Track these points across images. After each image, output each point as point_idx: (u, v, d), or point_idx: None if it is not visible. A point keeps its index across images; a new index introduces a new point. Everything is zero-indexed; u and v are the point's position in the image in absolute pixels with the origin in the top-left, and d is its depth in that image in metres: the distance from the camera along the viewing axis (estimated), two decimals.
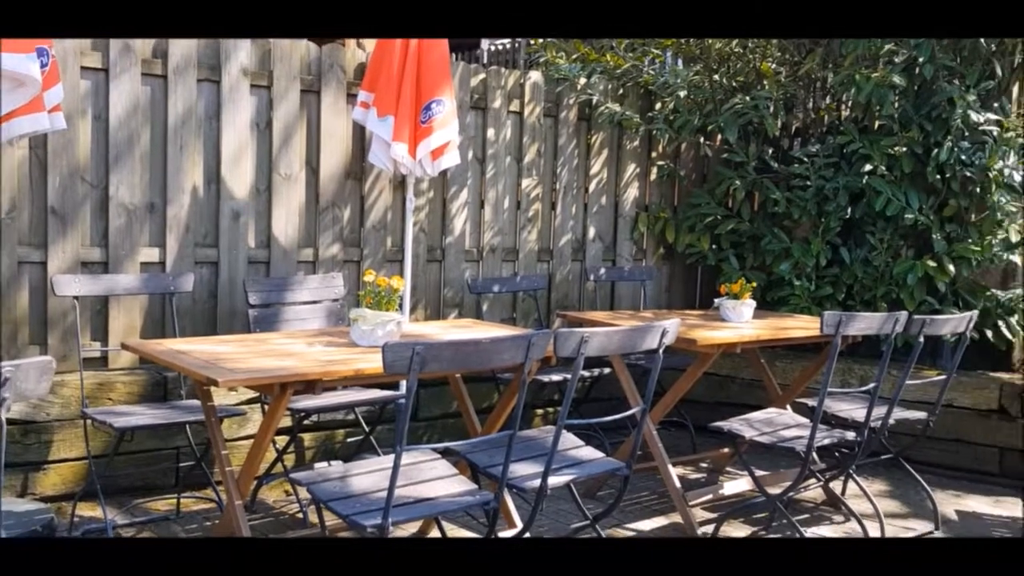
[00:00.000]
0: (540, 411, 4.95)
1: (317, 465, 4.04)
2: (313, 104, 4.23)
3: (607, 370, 4.25)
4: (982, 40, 4.67)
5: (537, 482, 2.66)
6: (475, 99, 4.73)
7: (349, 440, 4.26)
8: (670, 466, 3.67)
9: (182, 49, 3.84)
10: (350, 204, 4.38)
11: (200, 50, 3.91)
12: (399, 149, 3.97)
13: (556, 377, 4.17)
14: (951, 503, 4.15)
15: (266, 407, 3.70)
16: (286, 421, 3.77)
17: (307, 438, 4.17)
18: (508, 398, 3.16)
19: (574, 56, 5.38)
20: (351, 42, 5.52)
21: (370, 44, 4.89)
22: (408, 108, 3.98)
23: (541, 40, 5.54)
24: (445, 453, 2.90)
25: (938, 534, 3.77)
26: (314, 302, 3.96)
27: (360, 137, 4.35)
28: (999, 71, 4.75)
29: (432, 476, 2.66)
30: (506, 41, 8.97)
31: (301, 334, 3.27)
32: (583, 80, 5.14)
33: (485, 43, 9.57)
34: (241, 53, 3.99)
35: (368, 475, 2.59)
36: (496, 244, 4.88)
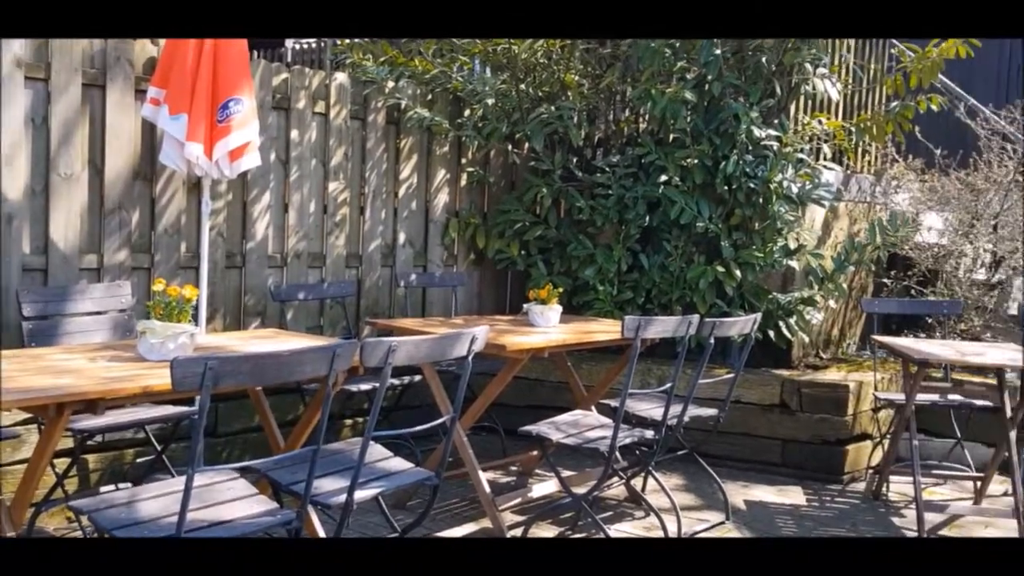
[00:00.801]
0: (349, 421, 4.84)
1: (103, 489, 3.74)
2: (97, 99, 3.92)
3: (418, 377, 4.21)
4: (763, 60, 5.02)
5: (343, 497, 2.58)
6: (277, 99, 4.56)
7: (140, 460, 3.98)
8: (480, 472, 3.68)
9: None
10: (139, 207, 4.09)
11: None
12: (194, 149, 3.75)
13: (365, 386, 4.08)
14: (740, 493, 4.43)
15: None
16: (68, 442, 3.47)
17: (92, 460, 3.85)
18: (313, 411, 3.05)
19: (382, 59, 5.31)
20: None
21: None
22: (204, 106, 3.76)
23: (348, 41, 5.43)
24: (245, 472, 2.76)
25: (728, 524, 4.01)
26: (98, 313, 3.66)
27: (151, 136, 4.07)
28: (778, 90, 5.13)
29: (229, 497, 2.52)
30: (311, 40, 8.74)
31: (82, 348, 3.02)
32: (391, 84, 5.08)
33: (289, 42, 9.27)
34: (14, 43, 3.63)
35: (158, 499, 2.42)
36: (302, 249, 4.73)
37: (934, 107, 5.24)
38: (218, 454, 4.25)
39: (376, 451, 3.01)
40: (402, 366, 2.73)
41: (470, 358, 2.86)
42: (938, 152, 6.09)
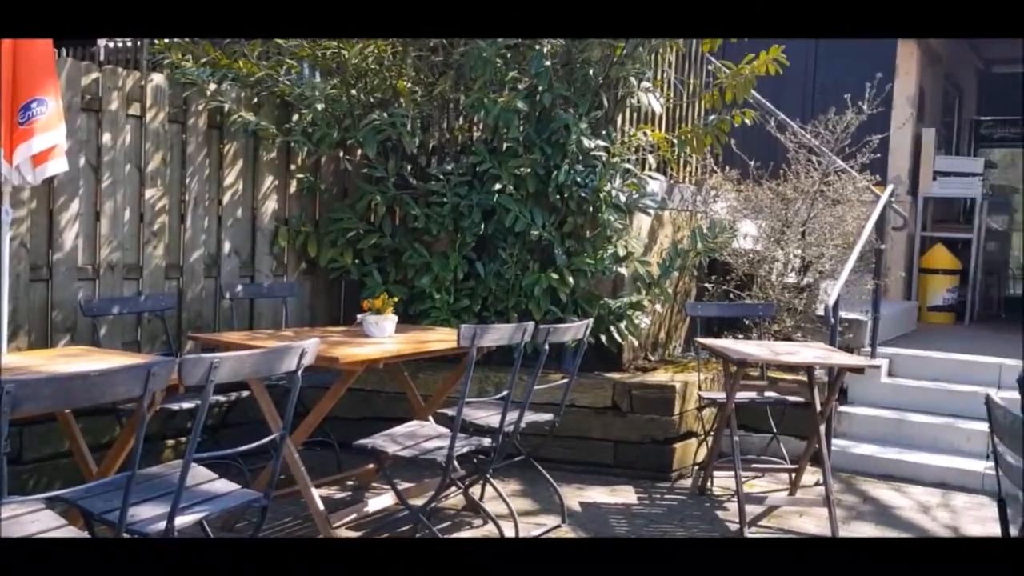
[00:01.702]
0: (172, 442, 4.57)
1: None
2: None
3: (246, 393, 4.04)
4: (591, 73, 5.16)
5: (163, 524, 2.42)
6: (87, 100, 4.25)
7: None
8: (313, 488, 3.57)
9: None
10: None
11: None
12: None
13: (188, 405, 3.87)
14: (575, 496, 4.52)
15: None
16: None
17: None
18: (128, 433, 2.86)
19: (203, 60, 5.07)
20: None
21: None
22: (3, 108, 3.45)
23: (166, 40, 5.14)
24: (53, 501, 2.55)
25: (564, 527, 4.07)
26: None
27: None
28: (606, 103, 5.29)
29: (34, 531, 2.31)
30: (127, 39, 8.24)
31: None
32: (213, 86, 4.85)
33: (103, 40, 8.71)
34: None
35: None
36: (116, 260, 4.43)
37: (748, 121, 5.56)
38: (24, 483, 3.90)
39: (199, 473, 2.86)
40: (228, 382, 2.60)
41: (299, 372, 2.77)
42: (752, 164, 6.47)
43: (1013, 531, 2.46)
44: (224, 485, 2.83)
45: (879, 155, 6.64)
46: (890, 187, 6.66)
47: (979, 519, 4.45)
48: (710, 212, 6.38)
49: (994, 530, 2.74)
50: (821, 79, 9.19)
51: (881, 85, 6.31)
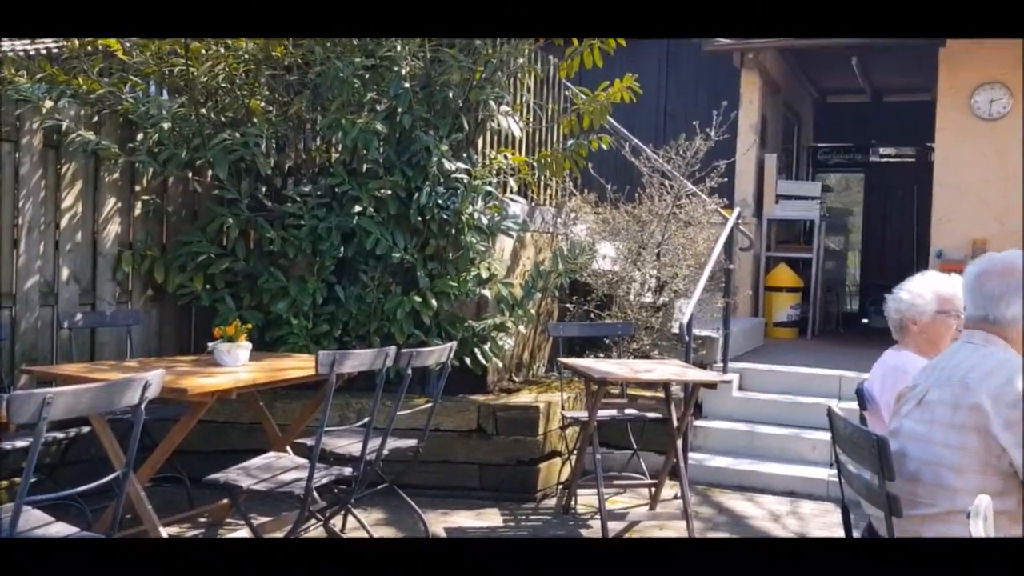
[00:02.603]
0: (5, 483, 4.22)
1: None
2: None
3: (86, 428, 3.78)
4: (451, 95, 5.17)
5: None
6: None
7: None
8: (161, 527, 3.37)
9: None
10: None
11: None
12: None
13: (22, 443, 3.59)
14: (440, 521, 4.46)
15: None
16: None
17: None
18: None
19: (38, 76, 4.76)
20: None
21: None
22: None
23: None
24: None
25: None
26: None
27: None
28: (466, 125, 5.30)
29: None
30: None
31: None
32: (50, 103, 4.56)
33: None
34: None
35: None
36: None
37: (604, 146, 5.71)
38: None
39: (33, 517, 2.65)
40: (66, 418, 2.42)
41: (143, 405, 2.61)
42: (609, 187, 6.64)
43: (856, 535, 2.59)
44: (61, 528, 2.63)
45: (726, 179, 6.96)
46: (737, 210, 6.99)
47: (825, 525, 4.68)
48: (570, 234, 6.50)
49: (839, 535, 2.88)
50: (671, 107, 9.57)
51: (727, 113, 6.62)
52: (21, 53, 5.72)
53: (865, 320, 11.03)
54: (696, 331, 5.77)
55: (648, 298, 6.41)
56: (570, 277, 6.02)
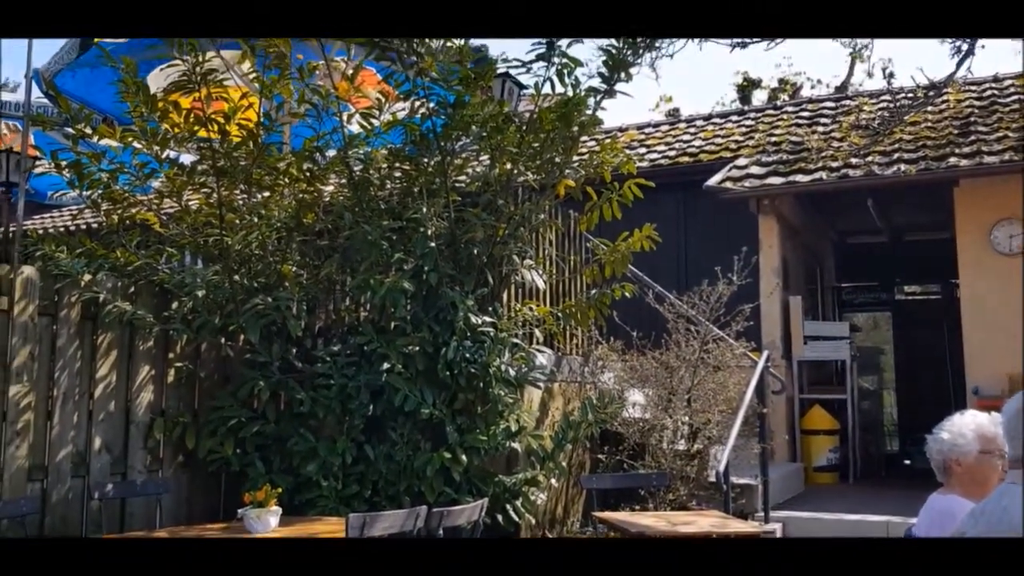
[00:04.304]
0: None
1: None
2: None
3: None
4: (475, 252, 5.30)
5: None
6: None
7: None
8: None
9: None
10: None
11: None
12: None
13: None
14: None
15: None
16: None
17: None
18: None
19: (78, 251, 4.95)
20: None
21: None
22: None
23: (39, 232, 5.02)
24: None
25: None
26: None
27: None
28: (491, 280, 5.41)
29: None
30: None
31: None
32: (88, 277, 4.72)
33: None
34: None
35: None
36: None
37: (627, 294, 5.77)
38: None
39: None
40: None
41: None
42: (635, 334, 6.66)
43: None
44: None
45: (752, 322, 6.97)
46: (765, 353, 6.96)
47: None
48: (599, 383, 6.47)
49: None
50: (692, 253, 9.72)
51: (747, 258, 6.71)
52: (62, 229, 5.96)
53: (907, 461, 10.71)
54: (734, 479, 5.63)
55: (681, 446, 6.30)
56: (601, 427, 5.95)
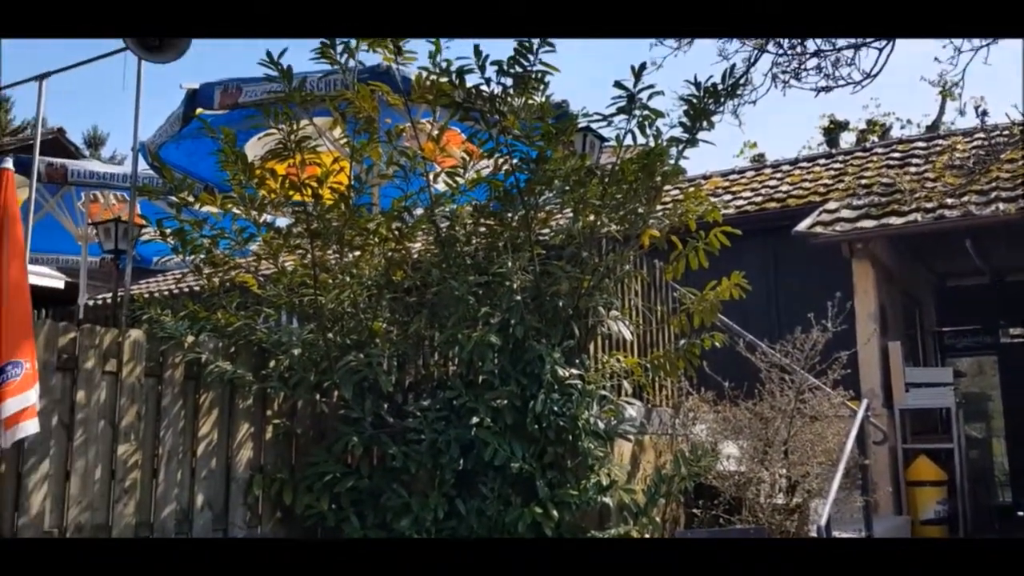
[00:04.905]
0: None
1: None
2: None
3: None
4: (561, 304, 5.32)
5: None
6: (63, 359, 4.28)
7: None
8: None
9: None
10: None
11: None
12: None
13: None
14: None
15: None
16: None
17: None
18: None
19: (181, 313, 5.18)
20: None
21: None
22: None
23: (145, 295, 5.28)
24: None
25: None
26: None
27: None
28: (577, 332, 5.41)
29: None
30: (107, 295, 8.45)
31: None
32: (191, 338, 4.92)
33: (83, 298, 8.92)
34: None
35: None
36: (84, 521, 4.26)
37: (717, 344, 5.68)
38: None
39: None
40: None
41: None
42: (727, 384, 6.54)
43: None
44: None
45: (849, 370, 6.76)
46: (865, 401, 6.74)
47: None
48: (690, 435, 6.36)
49: None
50: (783, 300, 9.52)
51: (842, 303, 6.55)
52: (167, 293, 6.24)
53: (1021, 512, 10.12)
54: (836, 533, 5.42)
55: (780, 499, 6.11)
56: (694, 480, 5.83)
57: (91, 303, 8.68)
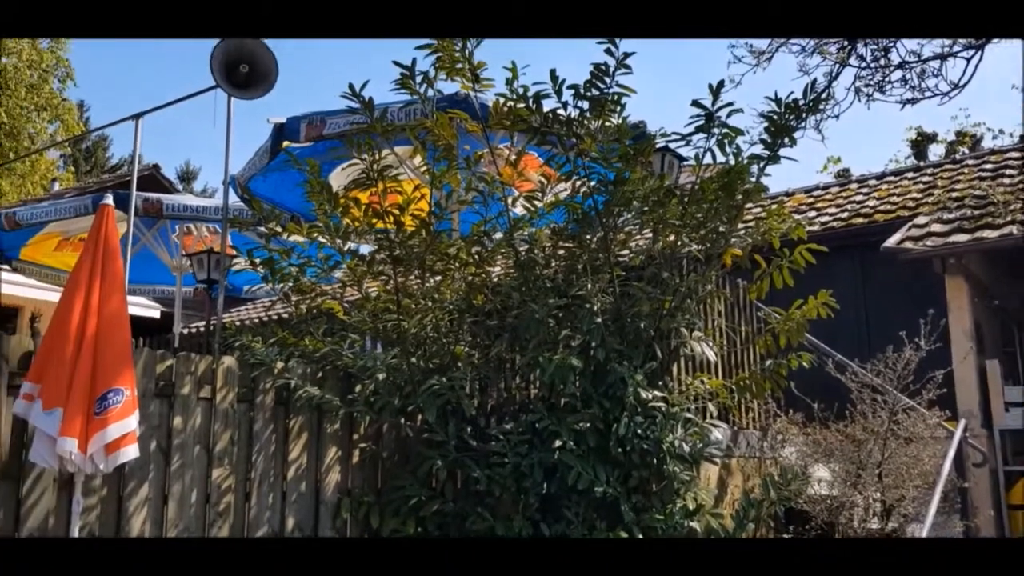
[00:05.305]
0: None
1: None
2: None
3: None
4: (642, 326, 5.28)
5: None
6: (161, 386, 4.45)
7: None
8: None
9: None
10: (3, 509, 3.77)
11: None
12: (67, 444, 3.56)
13: None
14: None
15: None
16: None
17: None
18: None
19: (271, 340, 5.33)
20: (23, 329, 5.08)
21: (44, 330, 4.52)
22: (81, 399, 3.64)
23: (236, 324, 5.45)
24: None
25: None
26: None
27: (21, 433, 3.86)
28: (659, 353, 5.36)
29: None
30: (200, 324, 8.75)
31: None
32: (280, 364, 5.06)
33: (177, 327, 9.25)
34: None
35: None
36: None
37: (805, 364, 5.55)
38: None
39: None
40: None
41: None
42: (815, 406, 6.38)
43: None
44: None
45: (944, 390, 6.52)
46: (962, 422, 6.49)
47: None
48: (779, 458, 6.22)
49: None
50: (872, 318, 9.25)
51: (935, 321, 6.33)
52: (256, 321, 6.43)
53: None
54: None
55: (874, 524, 5.91)
56: (784, 505, 5.69)
57: (185, 331, 9.00)
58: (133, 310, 5.56)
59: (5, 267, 11.44)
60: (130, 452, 3.84)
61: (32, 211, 9.87)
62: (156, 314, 14.08)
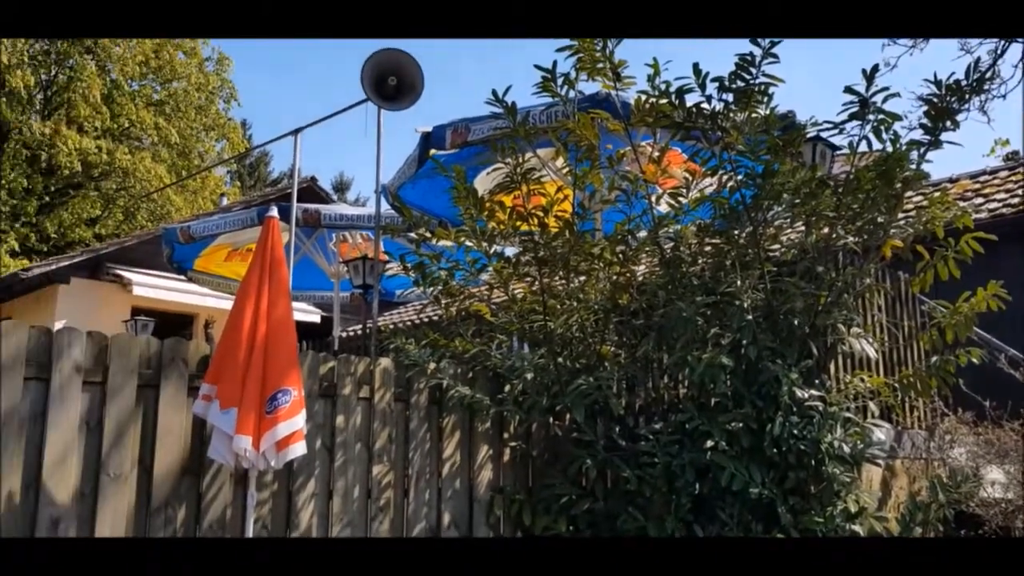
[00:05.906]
0: None
1: None
2: (151, 399, 4.07)
3: None
4: (796, 323, 5.12)
5: None
6: (324, 387, 4.69)
7: None
8: None
9: (8, 348, 3.67)
10: (186, 503, 4.10)
11: (30, 347, 3.75)
12: (242, 442, 3.82)
13: None
14: None
15: None
16: None
17: None
18: None
19: (424, 342, 5.51)
20: (199, 334, 5.46)
21: (217, 335, 4.85)
22: (253, 399, 3.89)
23: (391, 326, 5.67)
24: None
25: None
26: None
27: (200, 431, 4.17)
28: (815, 351, 5.17)
29: None
30: (357, 328, 9.12)
31: None
32: (432, 365, 5.22)
33: (336, 330, 9.69)
34: (75, 349, 3.85)
35: None
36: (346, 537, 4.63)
37: (975, 360, 5.22)
38: None
39: None
40: None
41: None
42: (987, 404, 5.99)
43: None
44: None
45: None
46: None
47: None
48: (948, 459, 5.88)
49: None
50: None
51: None
52: (409, 324, 6.67)
53: None
54: None
55: None
56: (954, 508, 5.37)
57: (344, 335, 9.42)
58: (296, 315, 5.88)
59: (181, 277, 12.33)
60: (298, 449, 4.07)
61: (204, 225, 10.60)
62: (317, 319, 14.81)
